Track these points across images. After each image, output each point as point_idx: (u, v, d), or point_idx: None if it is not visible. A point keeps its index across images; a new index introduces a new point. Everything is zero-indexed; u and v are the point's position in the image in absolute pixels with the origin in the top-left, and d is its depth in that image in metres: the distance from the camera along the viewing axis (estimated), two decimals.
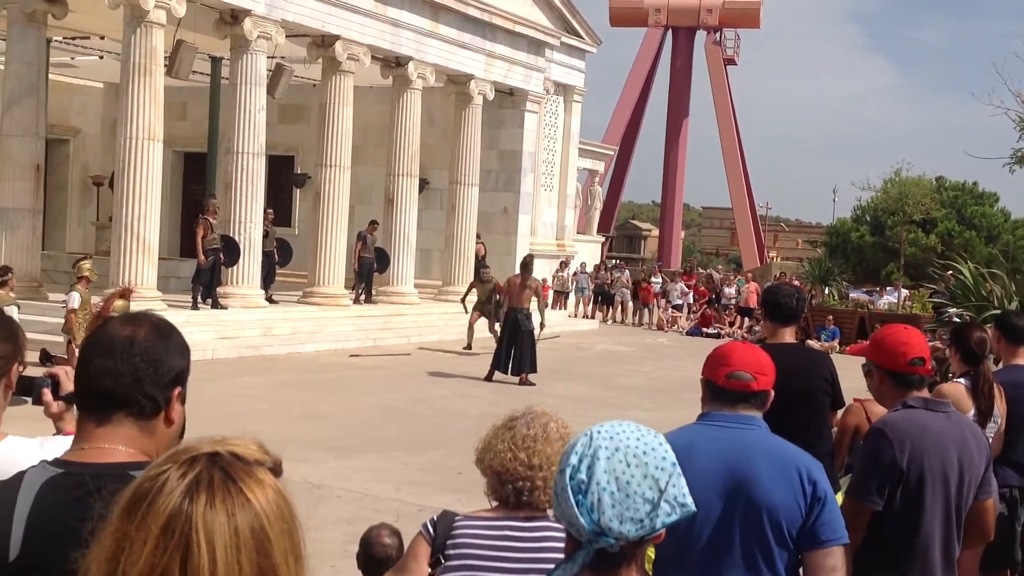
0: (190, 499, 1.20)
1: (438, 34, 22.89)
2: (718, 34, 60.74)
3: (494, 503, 2.97)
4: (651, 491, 1.70)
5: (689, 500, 1.76)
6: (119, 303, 9.61)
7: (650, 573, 3.08)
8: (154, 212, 17.66)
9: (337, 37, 20.60)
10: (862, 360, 3.98)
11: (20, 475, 1.92)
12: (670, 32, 60.46)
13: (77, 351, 10.57)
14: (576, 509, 1.68)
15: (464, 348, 19.16)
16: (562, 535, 2.82)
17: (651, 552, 3.13)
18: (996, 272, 11.21)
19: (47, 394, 2.50)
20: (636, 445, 1.73)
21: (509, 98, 25.84)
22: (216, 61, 21.73)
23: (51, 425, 2.58)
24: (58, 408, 2.52)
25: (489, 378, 16.19)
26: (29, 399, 2.51)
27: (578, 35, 29.33)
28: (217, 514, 1.19)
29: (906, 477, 3.54)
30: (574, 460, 1.72)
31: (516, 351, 16.16)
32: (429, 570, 2.88)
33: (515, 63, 25.29)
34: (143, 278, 17.31)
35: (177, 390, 1.99)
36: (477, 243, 24.77)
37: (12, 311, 12.60)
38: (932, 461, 3.55)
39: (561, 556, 2.76)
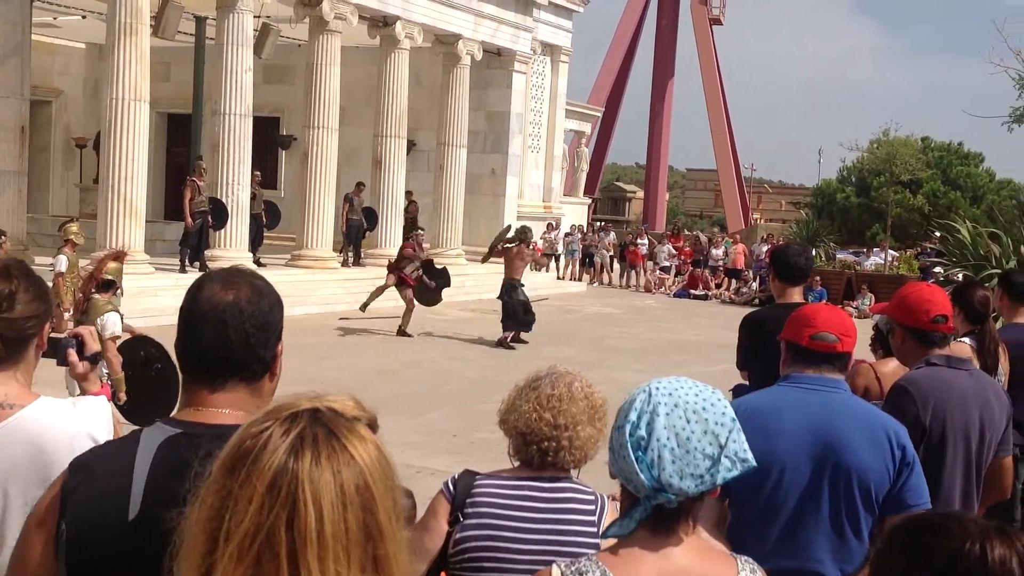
0: (295, 456, 1.18)
1: None
2: None
3: (516, 463, 2.95)
4: (711, 447, 1.68)
5: (749, 455, 1.74)
6: (112, 265, 9.49)
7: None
8: (141, 174, 17.49)
9: None
10: (862, 322, 3.97)
11: (137, 433, 1.91)
12: None
13: (66, 315, 10.44)
14: (636, 465, 1.66)
15: (360, 308, 17.36)
16: (584, 496, 2.82)
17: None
18: (996, 231, 11.21)
19: (72, 355, 2.46)
20: (695, 401, 1.71)
21: (497, 59, 25.65)
22: (201, 21, 21.45)
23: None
24: (83, 368, 2.48)
25: (509, 344, 16.24)
26: (54, 360, 2.47)
27: None
28: (323, 471, 1.17)
29: (928, 434, 3.54)
30: (633, 416, 1.69)
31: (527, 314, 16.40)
32: (448, 528, 2.86)
33: (503, 23, 25.08)
34: (130, 241, 17.16)
35: (280, 345, 1.99)
36: (411, 203, 24.11)
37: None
38: (954, 418, 3.56)
39: (583, 518, 2.76)
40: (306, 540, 1.15)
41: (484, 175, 25.86)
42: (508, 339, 16.25)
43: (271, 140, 27.54)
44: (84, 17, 23.37)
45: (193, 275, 17.75)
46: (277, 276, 19.67)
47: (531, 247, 16.67)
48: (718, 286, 28.24)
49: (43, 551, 1.83)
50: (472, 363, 14.35)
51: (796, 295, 5.43)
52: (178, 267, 18.15)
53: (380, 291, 16.97)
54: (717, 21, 61.26)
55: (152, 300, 15.86)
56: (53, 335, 2.45)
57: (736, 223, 55.70)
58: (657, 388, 1.72)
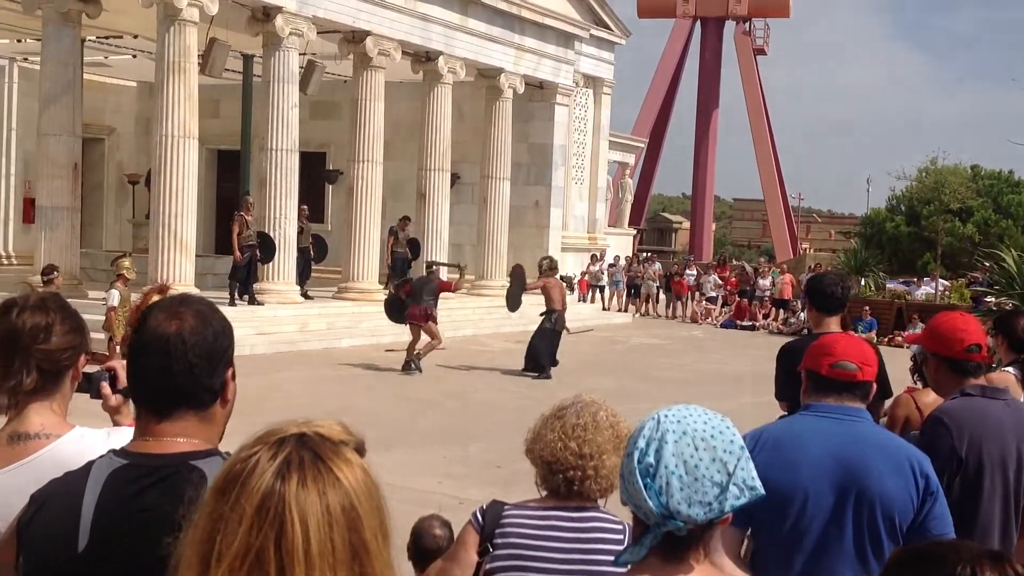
0: (282, 479, 1.22)
1: (467, 28, 22.89)
2: (747, 24, 60.35)
3: (543, 493, 2.96)
4: (719, 474, 1.69)
5: (758, 483, 1.74)
6: (157, 299, 9.61)
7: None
8: (190, 209, 17.78)
9: (368, 32, 20.65)
10: (906, 351, 3.95)
11: (88, 465, 1.93)
12: (699, 23, 60.15)
13: (118, 348, 10.67)
14: (644, 492, 1.67)
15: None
16: (612, 526, 2.83)
17: (747, 543, 3.11)
18: None
19: (106, 387, 2.51)
20: (704, 428, 1.72)
21: (539, 91, 25.81)
22: (248, 58, 21.83)
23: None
24: (116, 401, 2.54)
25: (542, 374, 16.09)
26: (87, 393, 2.53)
27: (607, 27, 29.25)
28: (309, 493, 1.21)
29: (964, 465, 3.50)
30: (642, 444, 1.71)
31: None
32: (477, 559, 2.88)
33: (544, 56, 25.26)
34: (181, 274, 17.44)
35: (230, 371, 2.00)
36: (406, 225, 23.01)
37: None
38: (991, 449, 3.51)
39: (610, 547, 2.76)
40: (294, 559, 1.19)
41: (528, 207, 25.95)
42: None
43: (318, 175, 27.88)
44: (135, 56, 23.88)
45: (242, 308, 18.10)
46: (324, 308, 19.93)
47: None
48: (765, 316, 28.01)
49: None
50: (515, 394, 14.36)
51: (833, 324, 5.37)
52: (227, 300, 18.37)
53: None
54: (761, 51, 61.10)
55: None
56: (87, 369, 2.52)
57: (784, 253, 55.26)
58: (666, 416, 1.74)
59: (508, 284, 17.17)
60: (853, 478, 2.93)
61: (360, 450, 1.33)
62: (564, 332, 16.54)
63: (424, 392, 14.15)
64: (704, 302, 29.32)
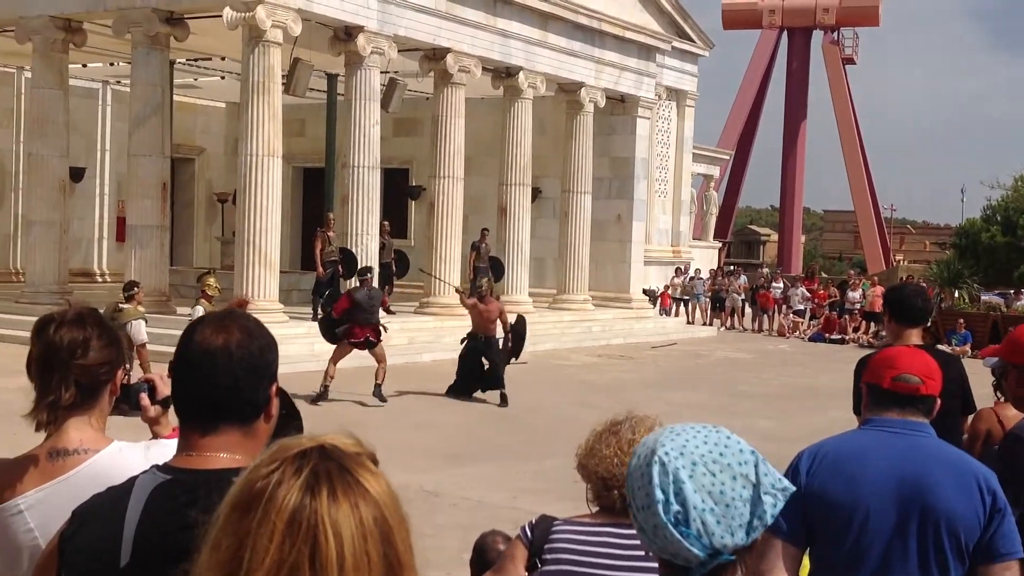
0: (311, 493, 1.19)
1: (547, 43, 22.91)
2: (835, 33, 59.43)
3: (595, 508, 2.90)
4: (745, 489, 1.57)
5: (786, 481, 1.61)
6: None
7: None
8: (275, 226, 18.07)
9: (448, 50, 20.80)
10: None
11: (132, 480, 1.93)
12: (785, 33, 59.41)
13: None
14: (685, 542, 1.54)
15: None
16: None
17: (806, 562, 3.00)
18: None
19: (145, 399, 2.52)
20: (710, 450, 1.58)
21: (620, 105, 25.69)
22: (332, 78, 22.16)
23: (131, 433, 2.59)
24: (155, 412, 2.54)
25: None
26: (126, 405, 2.55)
27: (690, 39, 29.02)
28: (340, 506, 1.19)
29: None
30: (659, 494, 1.56)
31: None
32: (526, 573, 2.82)
33: (625, 69, 25.14)
34: (265, 291, 17.72)
35: (274, 387, 1.99)
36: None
37: (140, 324, 13.04)
38: None
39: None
40: (329, 574, 1.15)
41: (610, 221, 25.81)
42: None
43: (401, 191, 28.17)
44: (223, 78, 24.42)
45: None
46: (406, 323, 20.06)
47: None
48: (855, 330, 27.39)
49: None
50: (594, 408, 14.22)
51: (914, 337, 5.19)
52: (311, 315, 18.61)
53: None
54: (850, 60, 60.11)
55: (286, 348, 16.25)
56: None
57: (876, 265, 54.14)
58: (666, 454, 1.59)
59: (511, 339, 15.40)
60: (917, 495, 2.82)
61: (374, 461, 1.31)
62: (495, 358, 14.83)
63: (501, 408, 14.11)
64: (791, 315, 28.80)
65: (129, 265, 18.43)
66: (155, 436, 2.55)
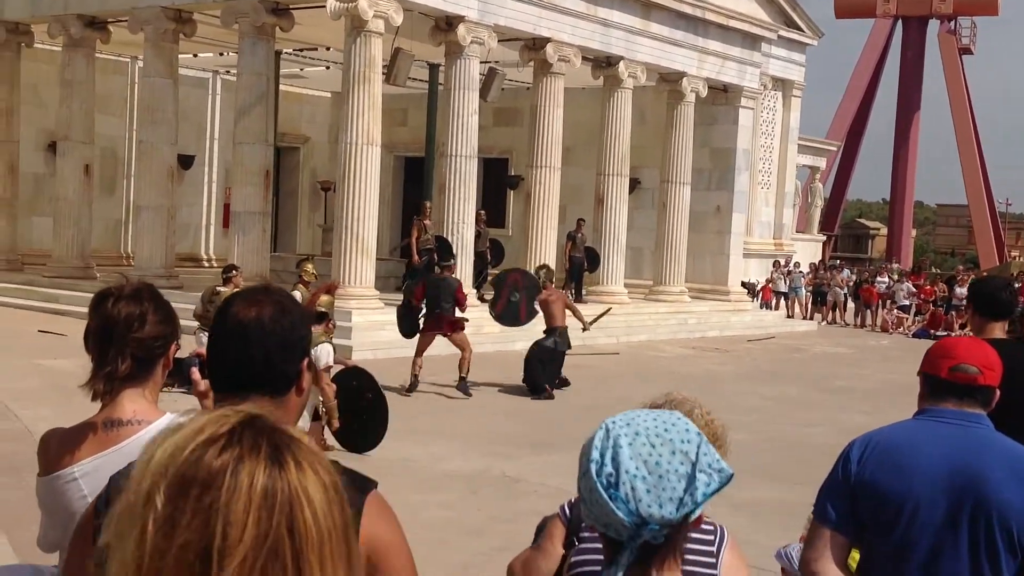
0: (279, 465, 1.17)
1: (649, 32, 22.73)
2: (952, 23, 57.59)
3: None
4: (683, 466, 1.57)
5: (724, 464, 1.62)
6: (324, 298, 10.00)
7: (852, 571, 2.92)
8: (372, 214, 18.35)
9: (548, 39, 20.81)
10: None
11: None
12: (899, 22, 57.80)
13: None
14: (611, 504, 1.56)
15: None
16: (704, 527, 2.72)
17: (855, 553, 2.97)
18: None
19: (195, 373, 2.62)
20: (655, 425, 1.61)
21: (722, 94, 25.35)
22: (434, 67, 22.37)
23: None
24: (205, 386, 2.64)
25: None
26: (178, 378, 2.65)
27: (798, 28, 28.46)
28: (307, 475, 1.19)
29: None
30: (596, 455, 1.59)
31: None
32: (564, 551, 2.85)
33: (728, 59, 24.79)
34: (361, 277, 18.02)
35: (306, 361, 2.05)
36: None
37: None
38: None
39: (700, 547, 2.65)
40: (306, 541, 1.17)
41: (709, 212, 25.51)
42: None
43: (500, 180, 28.28)
44: (328, 68, 24.86)
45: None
46: None
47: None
48: (962, 326, 26.56)
49: (83, 565, 1.93)
50: None
51: (998, 331, 5.06)
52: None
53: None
54: (967, 50, 58.19)
55: (380, 334, 16.56)
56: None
57: (989, 260, 52.40)
58: (614, 422, 1.63)
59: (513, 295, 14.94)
60: (970, 486, 2.75)
61: None
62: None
63: (590, 397, 14.11)
64: (896, 311, 28.09)
65: (232, 250, 18.94)
66: (205, 410, 2.65)
